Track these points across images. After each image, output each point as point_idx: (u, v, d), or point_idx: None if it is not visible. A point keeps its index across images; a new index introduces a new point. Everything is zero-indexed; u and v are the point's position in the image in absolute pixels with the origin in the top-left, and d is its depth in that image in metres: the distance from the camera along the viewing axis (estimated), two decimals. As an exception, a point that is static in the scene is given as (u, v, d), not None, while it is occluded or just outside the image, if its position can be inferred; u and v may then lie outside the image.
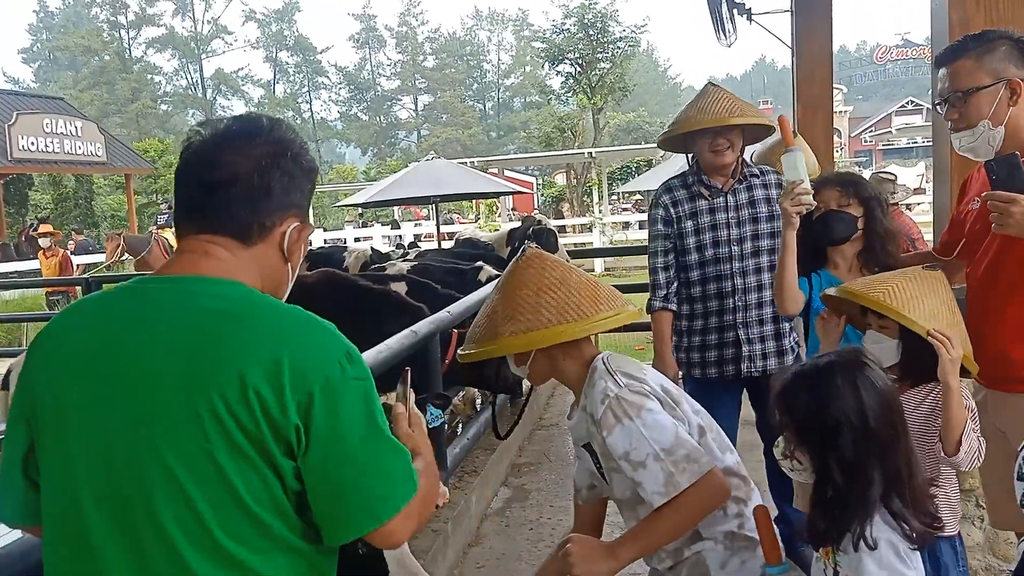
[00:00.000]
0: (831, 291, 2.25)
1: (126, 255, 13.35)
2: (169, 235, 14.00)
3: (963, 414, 1.91)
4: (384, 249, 9.64)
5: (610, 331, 2.10)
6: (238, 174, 1.32)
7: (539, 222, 7.05)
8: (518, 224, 8.76)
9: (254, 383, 1.19)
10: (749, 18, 6.62)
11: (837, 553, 1.66)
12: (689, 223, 3.34)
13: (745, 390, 3.43)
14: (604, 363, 1.90)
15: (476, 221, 23.06)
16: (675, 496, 1.73)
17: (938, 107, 2.41)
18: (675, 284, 3.38)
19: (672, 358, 3.42)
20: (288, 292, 1.45)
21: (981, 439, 1.93)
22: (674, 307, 3.38)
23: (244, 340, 1.22)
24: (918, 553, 1.65)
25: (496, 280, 2.14)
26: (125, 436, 1.21)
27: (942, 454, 1.91)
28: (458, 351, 1.99)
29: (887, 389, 1.69)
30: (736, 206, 3.30)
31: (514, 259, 2.04)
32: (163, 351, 1.22)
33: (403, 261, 6.93)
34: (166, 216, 15.76)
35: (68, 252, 13.97)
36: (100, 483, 1.22)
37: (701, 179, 3.34)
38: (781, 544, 1.77)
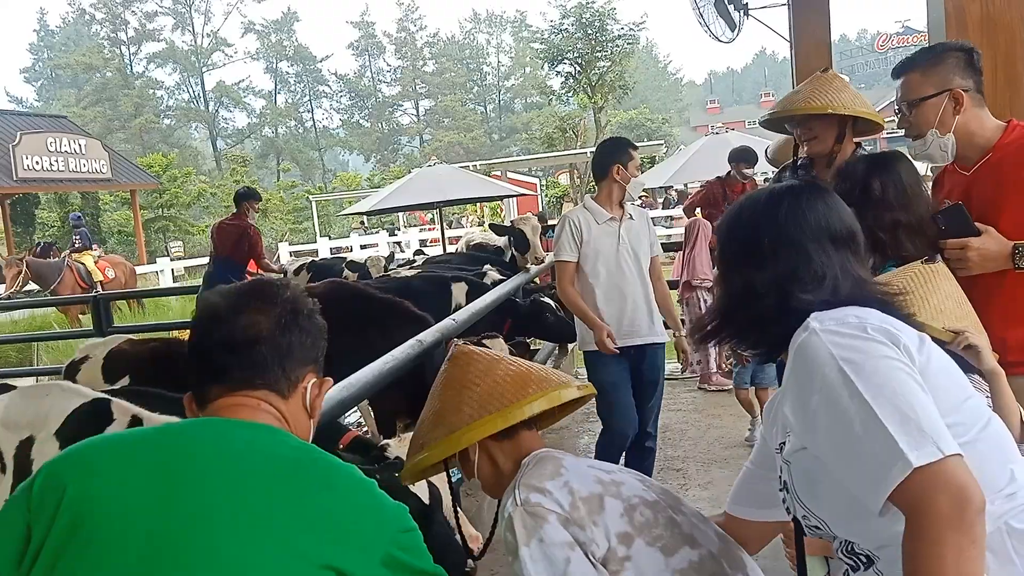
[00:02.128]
0: None
1: (31, 283, 11.70)
2: (87, 260, 12.44)
3: (1013, 399, 1.88)
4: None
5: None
6: (262, 332, 1.38)
7: (512, 224, 7.23)
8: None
9: (341, 544, 1.25)
10: (746, 13, 6.61)
11: None
12: None
13: None
14: (521, 469, 1.69)
15: (480, 225, 23.04)
16: None
17: (896, 116, 2.53)
18: None
19: None
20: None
21: None
22: None
23: (330, 498, 1.28)
24: None
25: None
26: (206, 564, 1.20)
27: None
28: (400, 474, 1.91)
29: None
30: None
31: (444, 361, 1.93)
32: (251, 494, 1.24)
33: (409, 268, 6.95)
34: (80, 237, 13.45)
35: None
36: None
37: (805, 166, 3.21)
38: None
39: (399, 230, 26.35)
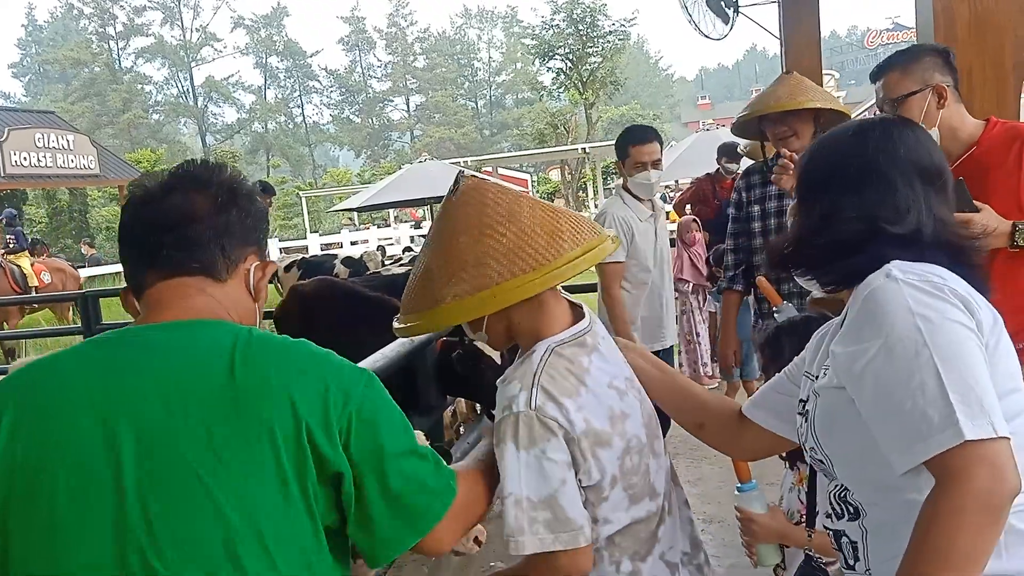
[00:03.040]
0: (817, 294, 2.29)
1: None
2: (23, 262, 11.49)
3: None
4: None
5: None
6: (197, 212, 1.29)
7: None
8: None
9: (303, 416, 1.18)
10: (736, 11, 6.62)
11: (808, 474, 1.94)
12: (756, 207, 3.41)
13: None
14: (539, 363, 1.47)
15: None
16: (525, 559, 1.45)
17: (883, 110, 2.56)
18: (743, 266, 3.48)
19: (733, 335, 3.62)
20: None
21: None
22: (739, 287, 3.51)
23: (280, 372, 1.20)
24: None
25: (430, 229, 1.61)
26: (166, 481, 1.14)
27: None
28: (393, 321, 1.55)
29: None
30: None
31: (446, 195, 1.53)
32: (186, 395, 1.17)
33: (399, 266, 6.95)
34: (15, 239, 12.17)
35: None
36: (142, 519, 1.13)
37: (776, 164, 3.30)
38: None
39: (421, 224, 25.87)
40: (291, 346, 1.27)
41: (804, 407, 1.45)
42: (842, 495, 1.38)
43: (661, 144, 3.88)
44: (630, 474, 1.51)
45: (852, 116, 3.29)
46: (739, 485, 1.94)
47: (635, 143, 3.80)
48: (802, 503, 2.06)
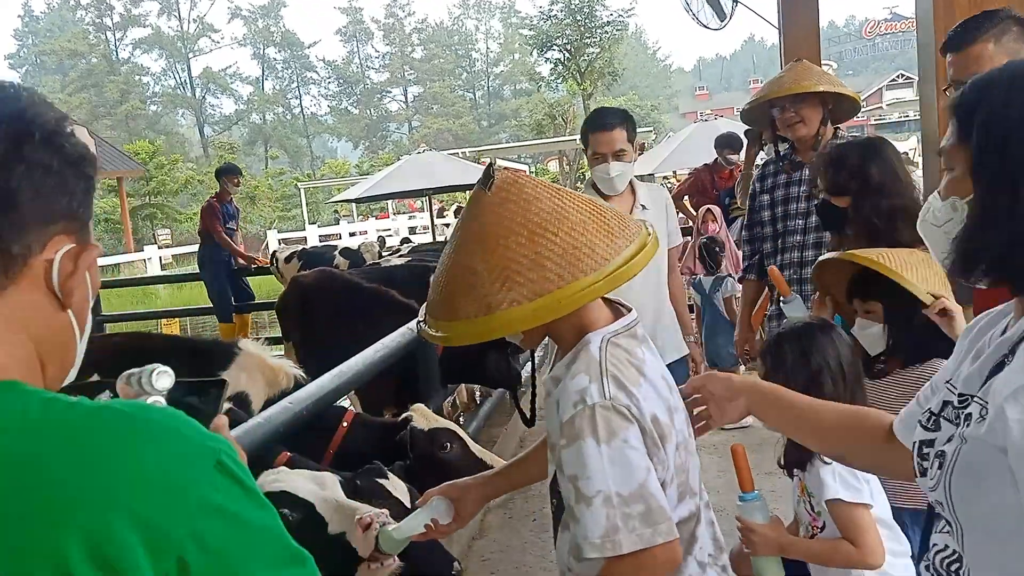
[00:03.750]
0: (830, 256, 2.31)
1: None
2: None
3: None
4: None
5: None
6: None
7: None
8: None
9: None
10: (735, 1, 6.61)
11: (806, 483, 2.03)
12: (765, 197, 3.38)
13: None
14: (600, 353, 1.40)
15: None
16: (610, 562, 1.34)
17: (950, 90, 2.37)
18: (758, 256, 3.45)
19: (747, 326, 3.59)
20: (82, 353, 0.92)
21: None
22: (753, 277, 3.48)
23: (45, 509, 0.73)
24: (875, 479, 1.96)
25: (456, 225, 1.49)
26: None
27: None
28: (422, 326, 1.46)
29: (850, 344, 2.12)
30: (812, 180, 3.03)
31: (477, 188, 1.42)
32: None
33: (397, 257, 6.96)
34: None
35: None
36: None
37: (787, 154, 3.35)
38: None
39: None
40: (82, 436, 0.77)
41: (934, 425, 1.13)
42: (953, 566, 1.11)
43: (632, 130, 3.31)
44: (680, 471, 1.47)
45: (861, 101, 3.28)
46: (741, 494, 1.84)
47: (593, 130, 3.28)
48: (809, 514, 2.04)
